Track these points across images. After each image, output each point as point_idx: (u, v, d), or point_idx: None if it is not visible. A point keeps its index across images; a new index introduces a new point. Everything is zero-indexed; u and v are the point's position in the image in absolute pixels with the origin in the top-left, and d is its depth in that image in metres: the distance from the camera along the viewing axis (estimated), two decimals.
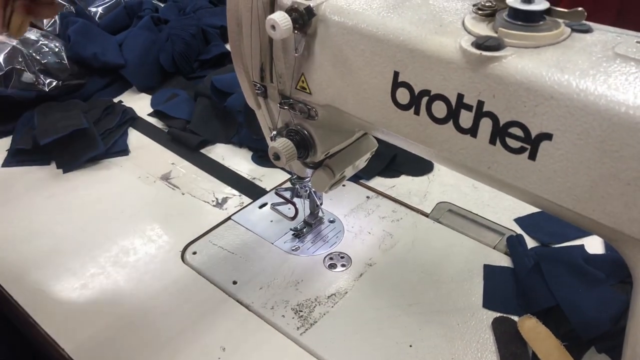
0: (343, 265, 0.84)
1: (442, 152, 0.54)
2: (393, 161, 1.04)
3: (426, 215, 0.94)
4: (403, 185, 1.01)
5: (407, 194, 0.99)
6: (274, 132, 0.70)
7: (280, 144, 0.66)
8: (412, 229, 0.90)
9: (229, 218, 0.94)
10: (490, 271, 0.82)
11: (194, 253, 0.88)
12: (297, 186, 0.84)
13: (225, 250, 0.87)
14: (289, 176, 0.86)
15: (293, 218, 0.87)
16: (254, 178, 1.05)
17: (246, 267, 0.84)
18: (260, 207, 0.96)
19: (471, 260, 0.84)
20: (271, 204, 0.91)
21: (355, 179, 1.02)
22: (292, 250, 0.87)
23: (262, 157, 1.08)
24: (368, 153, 0.75)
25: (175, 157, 1.10)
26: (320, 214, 0.91)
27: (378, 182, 1.02)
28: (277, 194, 0.88)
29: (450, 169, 0.57)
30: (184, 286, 0.83)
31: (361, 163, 0.75)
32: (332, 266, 0.85)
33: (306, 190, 0.86)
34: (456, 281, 0.81)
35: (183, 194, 1.01)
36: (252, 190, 1.01)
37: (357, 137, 0.72)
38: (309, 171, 0.74)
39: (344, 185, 0.98)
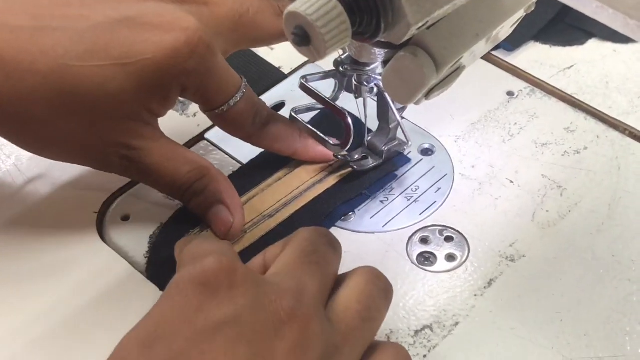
0: (451, 258, 0.55)
1: None
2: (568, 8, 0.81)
3: None
4: (591, 65, 0.68)
5: (599, 87, 0.66)
6: None
7: (311, 6, 0.38)
8: (611, 174, 0.61)
9: (200, 137, 0.63)
10: None
11: (125, 218, 0.59)
12: (350, 74, 0.54)
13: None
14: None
15: (342, 145, 0.56)
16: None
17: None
18: None
19: None
20: (292, 110, 0.59)
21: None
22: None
23: None
24: (521, 11, 0.47)
25: None
26: (400, 134, 0.59)
27: (535, 56, 0.69)
28: (303, 86, 0.56)
29: None
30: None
31: (502, 32, 0.49)
32: (427, 259, 0.55)
33: (372, 89, 0.54)
34: None
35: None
36: (251, 71, 0.68)
37: None
38: (379, 53, 0.49)
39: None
